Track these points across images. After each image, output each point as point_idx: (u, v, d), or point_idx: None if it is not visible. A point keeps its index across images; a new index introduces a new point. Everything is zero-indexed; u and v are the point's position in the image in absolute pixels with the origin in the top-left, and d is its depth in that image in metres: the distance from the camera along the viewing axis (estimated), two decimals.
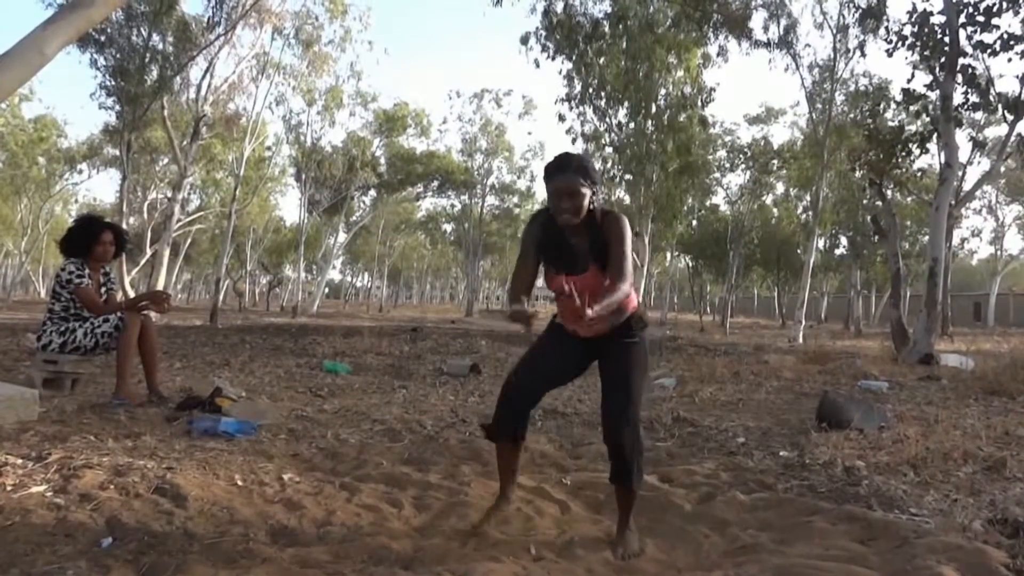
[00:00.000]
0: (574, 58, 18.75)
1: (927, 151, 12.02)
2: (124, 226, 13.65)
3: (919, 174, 13.32)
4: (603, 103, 19.44)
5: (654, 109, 18.66)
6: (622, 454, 2.37)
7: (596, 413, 4.71)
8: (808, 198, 27.06)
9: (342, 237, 35.86)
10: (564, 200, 2.34)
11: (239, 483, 2.77)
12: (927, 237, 15.79)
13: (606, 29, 18.12)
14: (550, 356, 2.58)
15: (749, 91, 65.26)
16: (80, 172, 34.80)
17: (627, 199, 19.83)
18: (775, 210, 33.32)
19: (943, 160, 11.06)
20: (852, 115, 19.16)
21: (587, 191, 2.34)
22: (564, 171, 2.34)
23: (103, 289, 4.65)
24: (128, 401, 4.18)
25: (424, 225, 46.95)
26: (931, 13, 11.13)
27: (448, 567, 2.09)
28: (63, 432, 3.39)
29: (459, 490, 2.90)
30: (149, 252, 21.25)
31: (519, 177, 38.33)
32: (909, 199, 22.97)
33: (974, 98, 11.26)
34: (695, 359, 9.37)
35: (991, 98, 11.48)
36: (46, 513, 2.27)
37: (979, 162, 24.59)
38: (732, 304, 32.81)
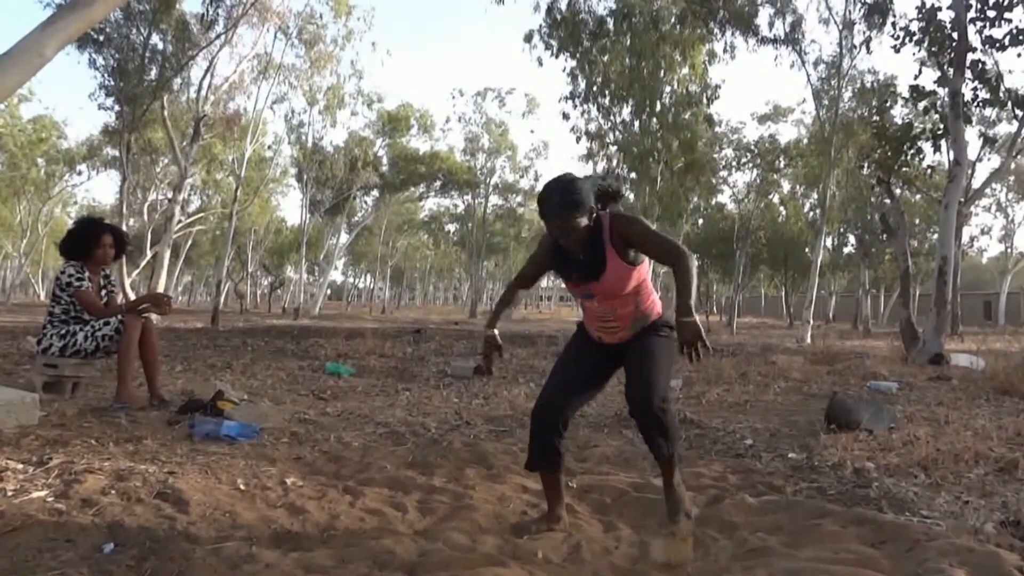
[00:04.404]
0: (578, 56, 18.73)
1: (939, 149, 11.94)
2: (124, 228, 13.63)
3: (928, 171, 13.21)
4: (607, 101, 19.41)
5: (659, 107, 18.62)
6: (651, 431, 2.33)
7: (602, 416, 4.72)
8: (815, 196, 26.98)
9: (344, 238, 35.90)
10: (563, 236, 2.33)
11: (241, 487, 2.75)
12: (936, 235, 15.69)
13: (610, 26, 18.09)
14: (575, 367, 2.55)
15: (754, 89, 65.03)
16: (79, 173, 34.84)
17: (631, 198, 19.80)
18: (782, 209, 33.23)
19: (952, 157, 10.98)
20: (859, 112, 19.06)
21: (583, 219, 2.28)
22: (553, 216, 2.29)
23: (103, 292, 4.61)
24: (129, 405, 4.15)
25: (427, 225, 47.01)
26: (939, 8, 11.06)
27: (453, 572, 2.07)
28: (64, 436, 3.37)
29: (464, 494, 2.87)
30: (149, 254, 21.26)
31: (522, 176, 38.35)
32: (918, 197, 22.90)
33: (984, 94, 11.19)
34: (701, 360, 9.31)
35: (1001, 94, 11.40)
36: (47, 518, 2.25)
37: (989, 159, 24.49)
38: (739, 304, 32.74)
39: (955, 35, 10.64)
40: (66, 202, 40.30)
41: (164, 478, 2.71)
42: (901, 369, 8.38)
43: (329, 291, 53.35)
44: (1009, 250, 40.63)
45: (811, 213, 30.10)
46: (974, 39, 10.76)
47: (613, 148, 20.04)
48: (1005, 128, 23.89)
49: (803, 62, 18.92)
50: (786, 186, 32.53)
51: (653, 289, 2.50)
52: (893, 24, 13.65)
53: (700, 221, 31.80)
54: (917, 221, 28.34)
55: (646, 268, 2.45)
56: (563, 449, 2.51)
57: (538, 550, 2.32)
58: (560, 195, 2.28)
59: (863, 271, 30.78)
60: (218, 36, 17.79)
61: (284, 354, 8.68)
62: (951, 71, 10.68)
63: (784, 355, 10.15)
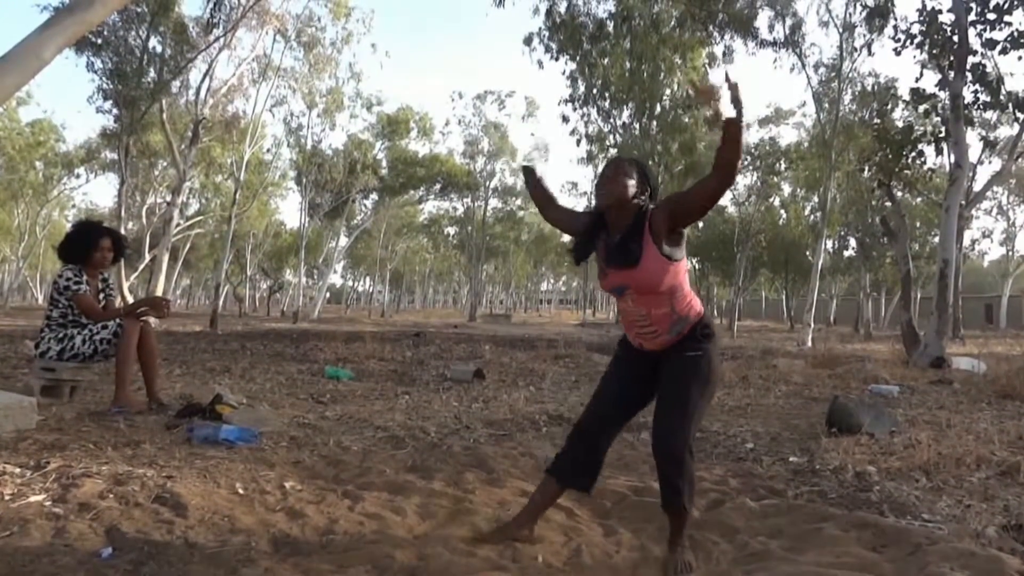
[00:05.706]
0: (578, 59, 18.77)
1: (940, 152, 11.93)
2: (122, 231, 13.59)
3: (929, 175, 13.19)
4: (607, 104, 19.45)
5: (658, 109, 18.65)
6: (669, 476, 2.29)
7: None
8: (816, 199, 26.99)
9: (343, 241, 35.90)
10: (605, 182, 2.37)
11: (240, 492, 2.74)
12: (937, 238, 15.69)
13: (610, 29, 18.13)
14: (617, 381, 2.52)
15: (755, 92, 65.01)
16: (78, 177, 34.75)
17: None
18: (783, 212, 33.24)
19: (953, 160, 10.98)
20: (860, 115, 19.07)
21: (631, 181, 2.34)
22: (617, 160, 2.47)
23: (101, 295, 4.59)
24: (127, 409, 4.13)
25: (426, 229, 47.00)
26: (940, 11, 11.06)
27: None
28: (62, 440, 3.35)
29: (463, 498, 2.86)
30: (148, 257, 21.16)
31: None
32: (919, 200, 22.88)
33: (984, 97, 11.18)
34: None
35: (1001, 97, 11.41)
36: (45, 523, 2.24)
37: (990, 162, 24.44)
38: (739, 307, 32.73)
39: (955, 38, 10.64)
40: (64, 205, 40.35)
41: (162, 482, 2.70)
42: (902, 372, 8.36)
43: (328, 294, 53.25)
44: (1010, 253, 40.61)
45: (812, 216, 30.12)
46: (974, 42, 10.77)
47: (613, 151, 20.06)
48: (1006, 131, 23.87)
49: (803, 65, 18.95)
50: (787, 189, 32.57)
51: (692, 291, 2.43)
52: (894, 27, 13.64)
53: (700, 224, 31.77)
54: (918, 224, 28.34)
55: (683, 268, 2.38)
56: (597, 468, 2.48)
57: (539, 555, 2.31)
58: (634, 159, 2.53)
59: (864, 274, 30.75)
60: (217, 39, 17.78)
61: (283, 358, 8.66)
62: (952, 74, 10.68)
63: (785, 358, 10.12)
